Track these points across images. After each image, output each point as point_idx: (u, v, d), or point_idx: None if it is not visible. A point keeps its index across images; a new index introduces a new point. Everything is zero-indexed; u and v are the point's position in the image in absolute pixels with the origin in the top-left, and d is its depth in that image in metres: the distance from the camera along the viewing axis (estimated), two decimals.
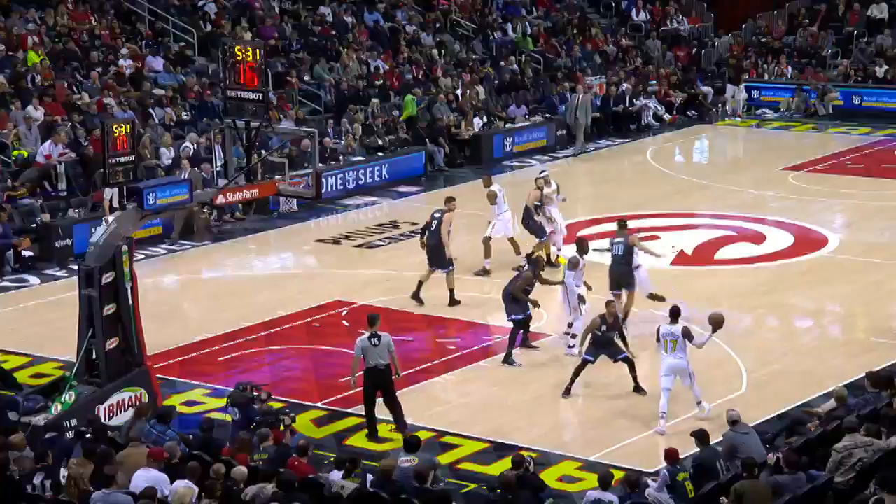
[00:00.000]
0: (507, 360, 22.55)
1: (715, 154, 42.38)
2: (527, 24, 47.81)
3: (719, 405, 20.13)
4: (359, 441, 19.80)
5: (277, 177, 21.90)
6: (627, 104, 43.19)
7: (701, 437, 17.08)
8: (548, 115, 41.61)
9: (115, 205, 26.73)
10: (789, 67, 47.50)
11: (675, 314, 20.09)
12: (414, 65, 42.41)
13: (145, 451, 16.42)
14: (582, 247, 23.52)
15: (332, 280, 27.33)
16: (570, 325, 23.12)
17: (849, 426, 16.65)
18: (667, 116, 44.37)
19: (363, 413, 20.34)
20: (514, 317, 22.65)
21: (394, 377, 19.88)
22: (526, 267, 23.39)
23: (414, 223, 29.75)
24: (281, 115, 35.37)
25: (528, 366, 22.61)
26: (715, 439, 17.46)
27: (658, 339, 20.06)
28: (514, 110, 41.60)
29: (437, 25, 45.88)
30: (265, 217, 32.28)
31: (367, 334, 19.75)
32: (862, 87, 45.90)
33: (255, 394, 18.80)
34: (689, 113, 45.45)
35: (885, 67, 46.11)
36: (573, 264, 23.15)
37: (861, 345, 23.76)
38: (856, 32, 48.62)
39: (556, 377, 21.99)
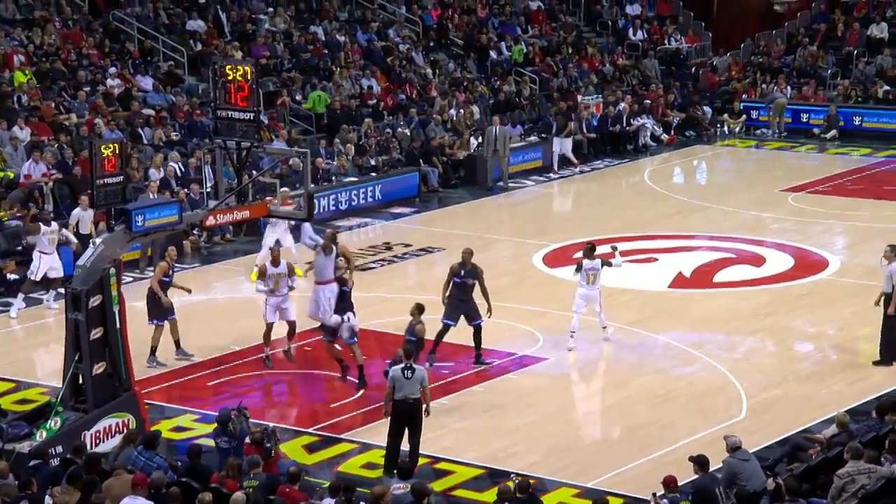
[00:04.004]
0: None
1: (713, 175, 42.11)
2: (522, 42, 47.53)
3: (719, 431, 19.86)
4: (350, 468, 19.47)
5: (268, 198, 21.63)
6: (624, 124, 42.91)
7: (701, 462, 16.84)
8: (543, 135, 41.27)
9: (80, 230, 27.08)
10: (788, 87, 47.15)
11: (591, 250, 23.92)
12: (408, 84, 42.14)
13: (131, 479, 16.09)
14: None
15: None
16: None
17: (851, 452, 16.36)
18: (664, 136, 44.14)
19: (357, 440, 20.23)
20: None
21: (424, 414, 19.15)
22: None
23: (407, 245, 29.35)
24: (272, 135, 35.09)
25: (522, 391, 22.36)
26: (715, 465, 17.16)
27: (580, 271, 23.79)
28: (509, 130, 41.24)
29: (431, 44, 45.65)
30: (255, 239, 31.85)
31: (401, 365, 19.12)
32: (862, 107, 45.62)
33: (238, 414, 18.65)
34: (686, 133, 45.23)
35: (886, 88, 45.84)
36: None
37: (862, 369, 23.48)
38: (856, 52, 48.39)
39: (551, 402, 21.86)
